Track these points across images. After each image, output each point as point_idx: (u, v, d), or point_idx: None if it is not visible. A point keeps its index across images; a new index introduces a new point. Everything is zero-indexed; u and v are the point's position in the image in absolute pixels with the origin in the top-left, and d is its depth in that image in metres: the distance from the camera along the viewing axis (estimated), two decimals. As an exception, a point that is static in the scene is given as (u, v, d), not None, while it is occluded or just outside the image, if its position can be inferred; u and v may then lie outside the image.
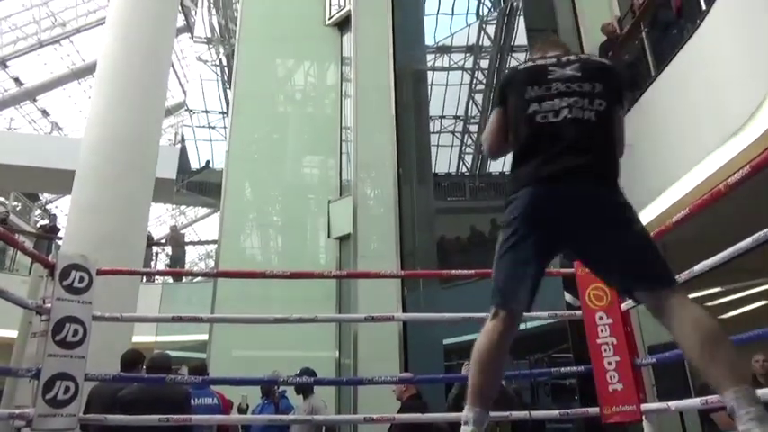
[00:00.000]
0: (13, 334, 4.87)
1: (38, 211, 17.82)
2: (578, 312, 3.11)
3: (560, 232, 1.77)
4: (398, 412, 3.98)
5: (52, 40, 18.01)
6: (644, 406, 2.78)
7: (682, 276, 2.53)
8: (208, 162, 12.86)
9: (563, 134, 1.79)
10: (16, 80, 18.04)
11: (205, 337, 7.72)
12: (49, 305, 2.69)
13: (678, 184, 5.17)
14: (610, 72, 1.94)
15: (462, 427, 1.68)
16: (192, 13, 16.75)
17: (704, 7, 4.96)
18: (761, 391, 2.23)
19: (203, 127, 13.12)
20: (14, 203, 15.54)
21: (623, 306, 3.08)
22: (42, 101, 19.02)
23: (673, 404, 2.69)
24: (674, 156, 5.27)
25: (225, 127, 10.94)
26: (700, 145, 4.83)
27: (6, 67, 17.73)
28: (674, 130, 5.33)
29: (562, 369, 3.36)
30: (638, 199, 5.87)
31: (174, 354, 7.27)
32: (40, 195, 19.23)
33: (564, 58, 1.94)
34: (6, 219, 12.05)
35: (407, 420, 3.48)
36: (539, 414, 3.13)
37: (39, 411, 2.52)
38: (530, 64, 2.00)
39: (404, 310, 6.69)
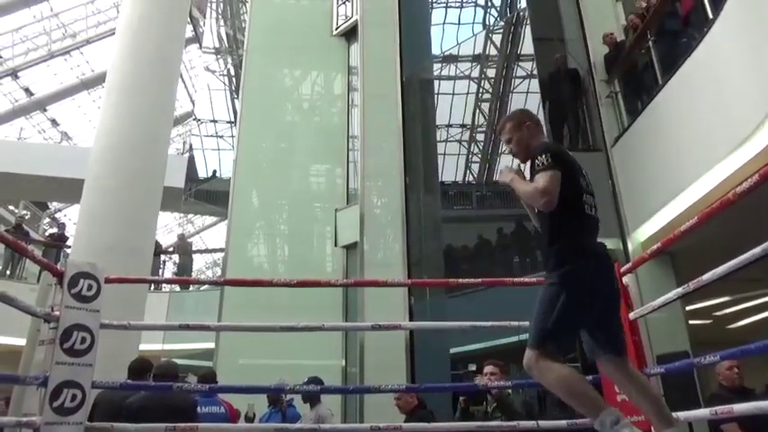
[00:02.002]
0: (22, 342, 4.88)
1: (47, 220, 17.96)
2: (586, 322, 3.08)
3: (604, 300, 2.17)
4: (405, 422, 3.97)
5: (62, 51, 18.17)
6: (653, 416, 2.74)
7: (690, 285, 2.52)
8: (215, 171, 12.93)
9: (596, 225, 2.29)
10: (27, 90, 18.22)
11: (212, 345, 7.71)
12: (58, 313, 2.70)
13: (686, 192, 5.14)
14: None
15: (615, 428, 1.88)
16: (201, 23, 16.88)
17: (711, 15, 4.96)
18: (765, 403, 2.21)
19: (211, 136, 13.20)
20: (24, 212, 15.66)
21: (631, 315, 3.06)
22: (52, 111, 19.18)
23: (682, 415, 2.66)
24: (683, 164, 5.24)
25: (232, 136, 11.00)
26: (708, 153, 4.80)
27: (17, 77, 17.91)
28: (682, 139, 5.30)
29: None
30: (647, 207, 5.86)
31: (180, 362, 7.27)
32: (49, 204, 19.37)
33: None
34: (21, 224, 12.16)
35: (415, 430, 3.46)
36: (546, 424, 3.10)
37: (46, 419, 2.52)
38: (571, 155, 2.33)
39: (410, 319, 6.66)
